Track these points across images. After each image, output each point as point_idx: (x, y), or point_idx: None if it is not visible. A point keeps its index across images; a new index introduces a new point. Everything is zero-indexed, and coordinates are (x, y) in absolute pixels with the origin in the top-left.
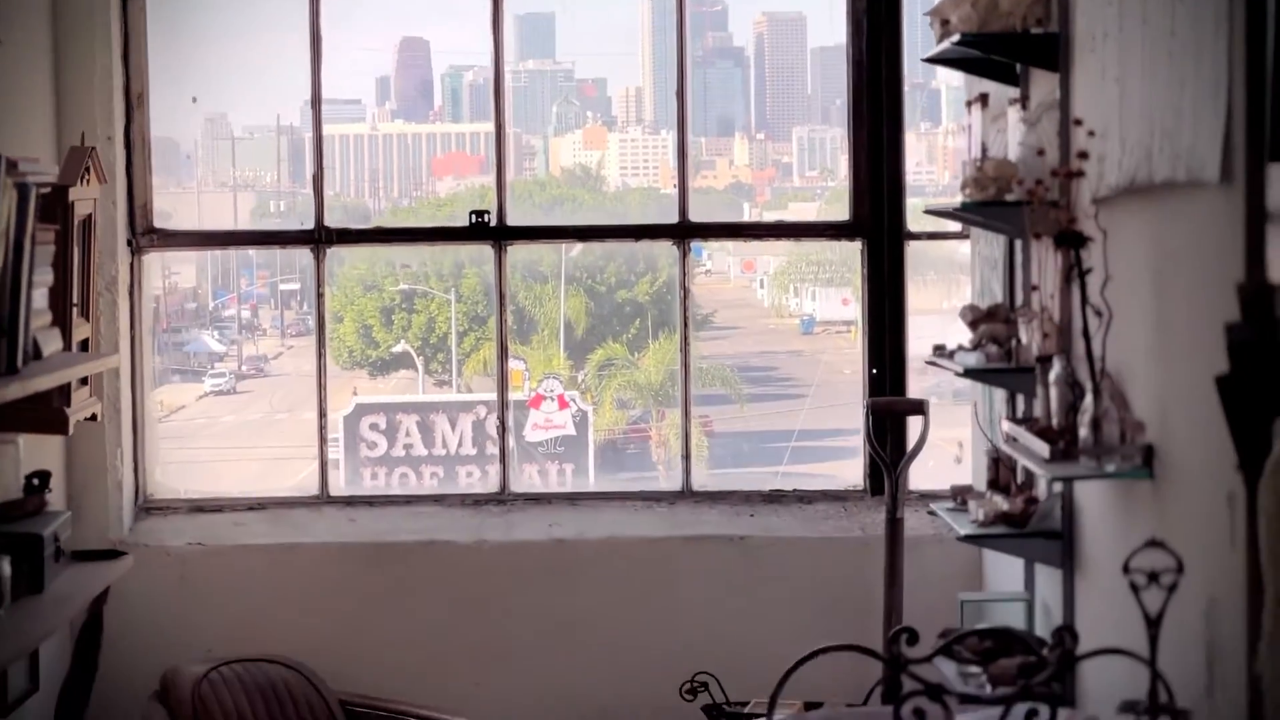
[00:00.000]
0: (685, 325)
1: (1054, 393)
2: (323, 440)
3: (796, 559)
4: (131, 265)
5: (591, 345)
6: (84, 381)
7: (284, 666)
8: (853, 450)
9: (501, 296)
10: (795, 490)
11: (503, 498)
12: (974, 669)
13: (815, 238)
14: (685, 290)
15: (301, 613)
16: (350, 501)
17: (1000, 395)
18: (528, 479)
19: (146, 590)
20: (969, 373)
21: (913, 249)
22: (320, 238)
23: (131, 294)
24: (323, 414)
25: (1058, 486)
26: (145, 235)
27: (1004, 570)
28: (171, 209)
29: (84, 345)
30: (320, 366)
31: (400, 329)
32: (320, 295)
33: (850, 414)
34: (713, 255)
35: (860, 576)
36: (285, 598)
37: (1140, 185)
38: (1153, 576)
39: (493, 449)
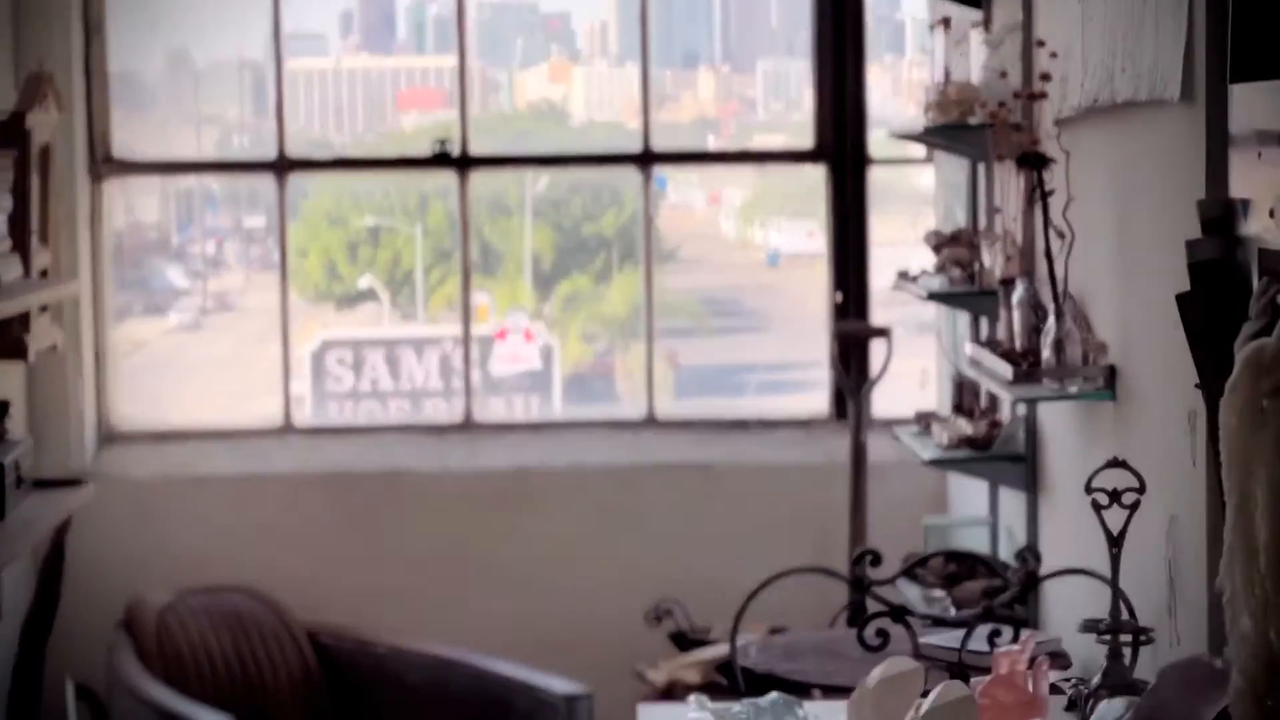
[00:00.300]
0: (649, 255)
1: (1017, 315)
2: (286, 370)
3: (761, 485)
4: (91, 193)
5: (557, 279)
6: (44, 310)
7: (249, 595)
8: (817, 380)
9: (465, 224)
10: (760, 418)
11: (467, 427)
12: (938, 592)
13: (778, 162)
14: (649, 219)
15: (266, 542)
16: (315, 432)
17: (964, 320)
18: (493, 411)
19: (110, 520)
20: (933, 296)
21: (877, 180)
22: (282, 165)
23: (92, 223)
24: (285, 342)
25: (1021, 409)
26: (105, 163)
27: (968, 494)
28: (133, 143)
29: (44, 274)
30: (283, 292)
31: (366, 264)
32: (282, 223)
33: (815, 345)
34: (678, 188)
35: (825, 502)
36: (250, 528)
37: (1102, 106)
38: (1114, 496)
39: (459, 382)
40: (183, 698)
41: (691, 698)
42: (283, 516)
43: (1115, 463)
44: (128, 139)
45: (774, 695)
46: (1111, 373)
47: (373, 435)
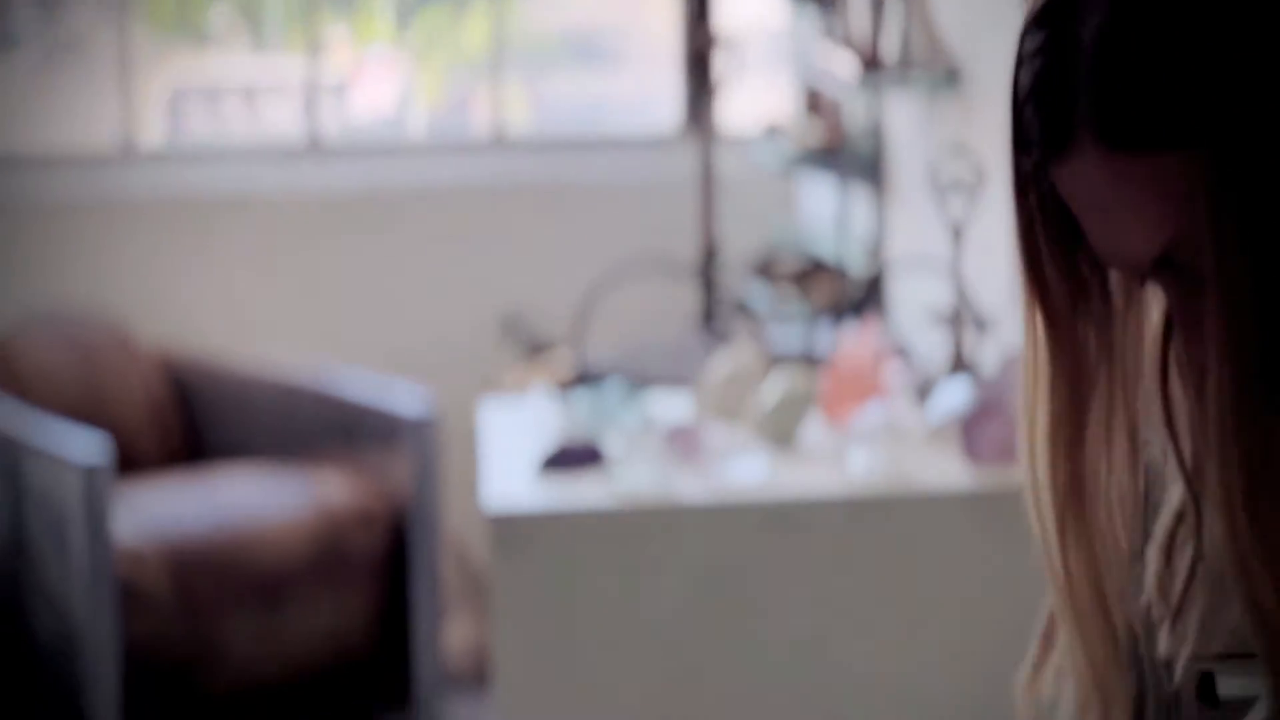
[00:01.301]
0: None
1: (861, 14)
2: (126, 90)
3: (612, 203)
4: None
5: (415, 14)
6: None
7: (98, 322)
8: (671, 104)
9: None
10: (611, 139)
11: (318, 150)
12: (788, 294)
13: None
14: None
15: (114, 268)
16: (160, 157)
17: (811, 26)
18: (347, 140)
19: None
20: None
21: None
22: None
23: None
24: (124, 63)
25: (867, 109)
26: None
27: (817, 199)
28: None
29: None
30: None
31: None
32: None
33: (669, 70)
34: None
35: (677, 218)
36: (96, 254)
37: None
38: (958, 186)
39: (317, 123)
40: (31, 410)
41: (533, 385)
42: (131, 242)
43: (957, 153)
44: None
45: (615, 379)
46: (954, 65)
47: (221, 160)
